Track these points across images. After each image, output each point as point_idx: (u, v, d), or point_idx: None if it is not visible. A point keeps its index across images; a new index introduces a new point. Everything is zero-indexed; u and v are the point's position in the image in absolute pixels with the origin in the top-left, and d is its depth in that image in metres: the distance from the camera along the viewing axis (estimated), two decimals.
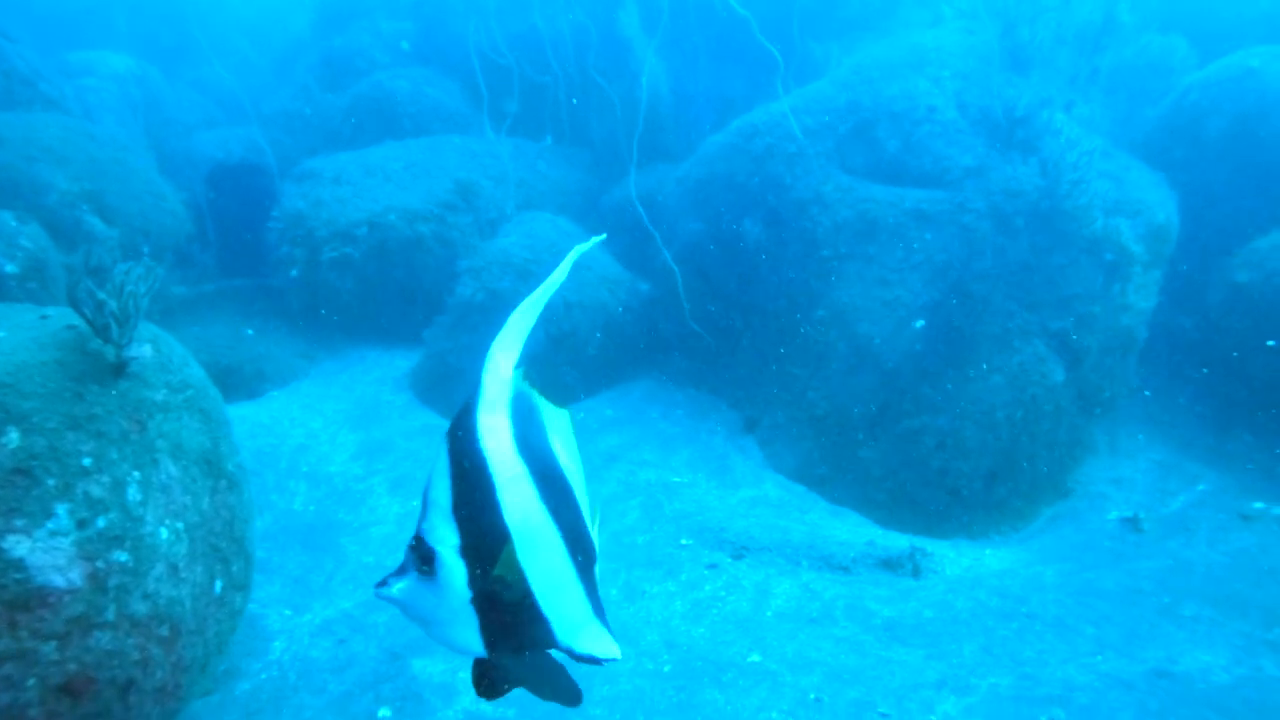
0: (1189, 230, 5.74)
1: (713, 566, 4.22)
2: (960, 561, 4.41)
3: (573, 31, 7.04)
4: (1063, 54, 6.35)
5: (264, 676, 3.29)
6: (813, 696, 3.24)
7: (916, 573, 4.27)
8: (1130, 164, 5.76)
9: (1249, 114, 5.77)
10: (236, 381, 5.68)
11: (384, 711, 3.10)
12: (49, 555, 2.11)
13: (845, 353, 5.41)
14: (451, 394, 5.84)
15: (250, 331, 6.25)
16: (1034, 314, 5.22)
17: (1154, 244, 5.35)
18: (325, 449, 5.03)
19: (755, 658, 3.48)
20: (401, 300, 6.49)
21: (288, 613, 3.74)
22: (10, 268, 4.15)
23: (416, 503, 4.91)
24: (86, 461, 2.29)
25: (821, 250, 5.65)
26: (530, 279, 5.93)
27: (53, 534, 2.14)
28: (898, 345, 5.29)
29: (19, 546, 2.07)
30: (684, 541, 4.45)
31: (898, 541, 4.53)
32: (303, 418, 5.33)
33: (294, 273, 6.00)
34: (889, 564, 4.34)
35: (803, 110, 6.02)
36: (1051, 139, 5.34)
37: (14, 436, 2.18)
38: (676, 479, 5.11)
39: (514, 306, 1.48)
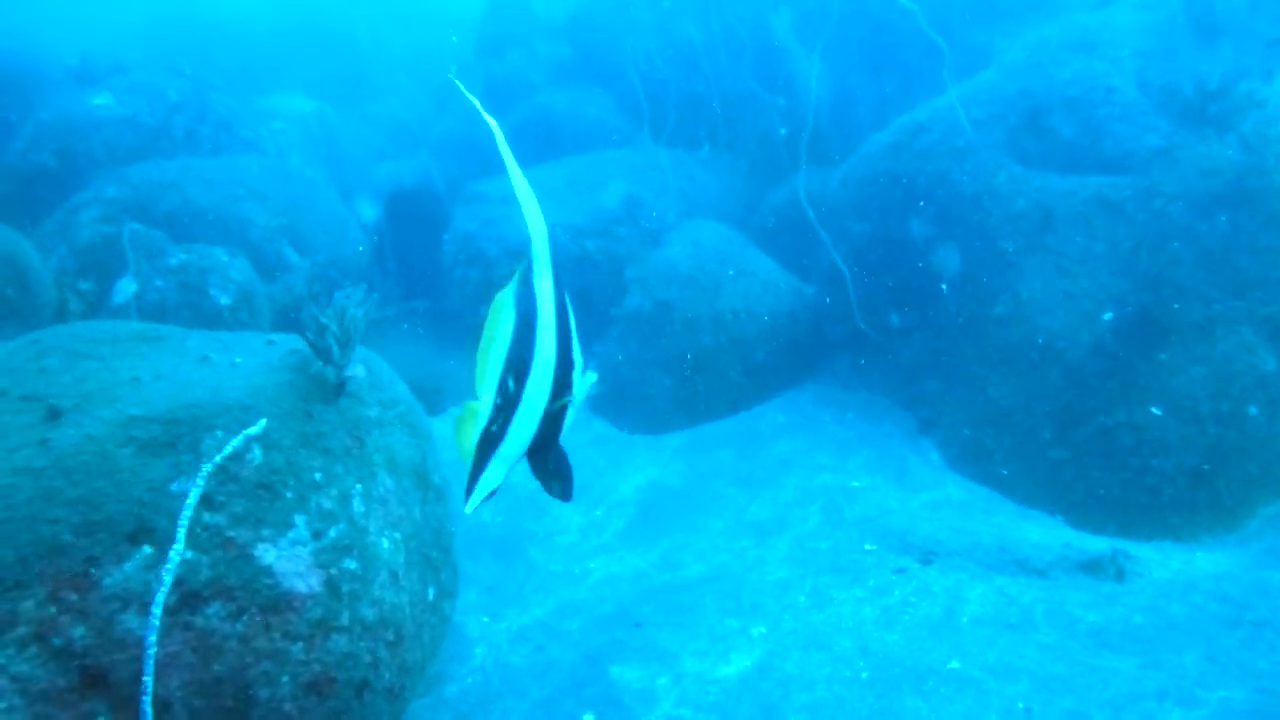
0: None
1: (900, 571, 4.12)
2: (1168, 565, 4.15)
3: (726, 40, 7.06)
4: (1259, 18, 5.93)
5: (470, 681, 3.41)
6: (1021, 705, 3.11)
7: (1120, 576, 4.04)
8: None
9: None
10: (417, 398, 5.95)
11: (587, 716, 3.17)
12: (291, 563, 2.26)
13: (1027, 348, 5.20)
14: (625, 405, 5.93)
15: (429, 350, 6.53)
16: (1240, 299, 4.87)
17: None
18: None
19: (955, 664, 3.37)
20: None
21: (485, 619, 3.87)
22: (224, 299, 4.49)
23: (597, 511, 5.03)
24: (318, 476, 2.45)
25: (997, 243, 5.46)
26: (695, 286, 5.97)
27: (293, 543, 2.30)
28: (1084, 339, 5.04)
29: (266, 554, 2.23)
30: (868, 546, 4.36)
31: (1095, 544, 4.30)
32: None
33: (469, 291, 6.23)
34: (1089, 567, 4.12)
35: (970, 102, 5.84)
36: (1255, 111, 4.98)
37: (257, 454, 2.35)
38: (855, 483, 5.03)
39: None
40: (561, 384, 1.77)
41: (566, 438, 1.85)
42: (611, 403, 6.01)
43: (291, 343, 2.81)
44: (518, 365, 1.73)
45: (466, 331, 6.61)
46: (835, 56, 7.44)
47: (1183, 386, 4.75)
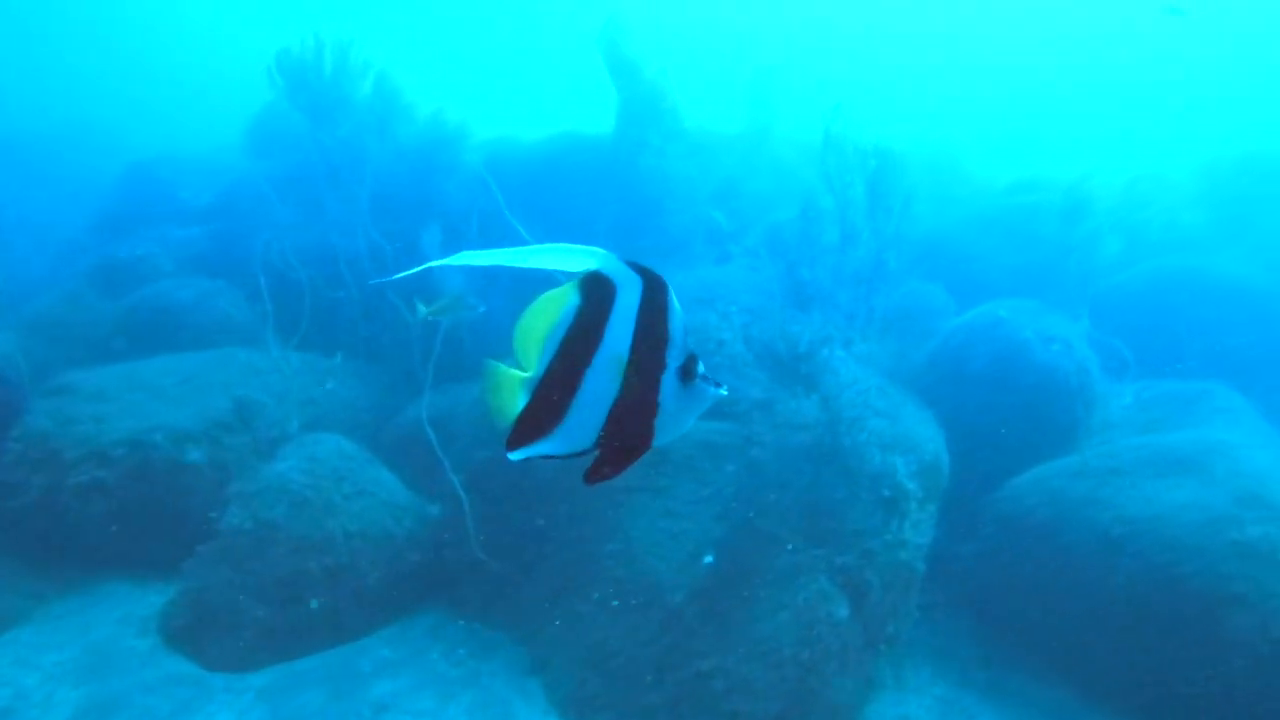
0: (962, 464, 6.05)
1: None
2: None
3: (370, 248, 6.98)
4: (842, 294, 6.78)
5: None
6: None
7: None
8: (904, 400, 6.07)
9: (1000, 355, 6.26)
10: None
11: None
12: None
13: (635, 589, 5.25)
14: (209, 637, 5.24)
15: None
16: (820, 549, 5.26)
17: (927, 479, 5.56)
18: (34, 714, 4.33)
19: None
20: (164, 529, 5.91)
21: None
22: None
23: None
24: None
25: (613, 481, 5.56)
26: (305, 505, 5.54)
27: None
28: (685, 582, 5.18)
29: None
30: None
31: None
32: (12, 674, 4.61)
33: (28, 500, 5.36)
34: None
35: None
36: (831, 376, 5.57)
37: None
38: None
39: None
40: (637, 383, 1.59)
41: (662, 442, 1.67)
42: (197, 635, 5.30)
43: None
44: (575, 349, 1.57)
45: (22, 545, 5.65)
46: (487, 275, 7.59)
47: (769, 633, 4.97)
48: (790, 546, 5.22)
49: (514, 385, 1.63)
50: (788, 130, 12.44)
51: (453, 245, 7.38)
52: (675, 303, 1.61)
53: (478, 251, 1.56)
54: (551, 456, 1.63)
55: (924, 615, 5.86)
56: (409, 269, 1.80)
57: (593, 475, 1.67)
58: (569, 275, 1.59)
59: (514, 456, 1.64)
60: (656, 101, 7.95)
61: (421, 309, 5.80)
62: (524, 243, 6.22)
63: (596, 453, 1.66)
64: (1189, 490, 5.18)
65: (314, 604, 5.39)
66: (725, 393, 1.69)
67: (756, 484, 5.42)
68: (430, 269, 1.76)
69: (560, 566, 5.64)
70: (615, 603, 5.25)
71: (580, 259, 1.57)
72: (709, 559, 5.20)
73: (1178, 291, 8.02)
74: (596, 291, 1.58)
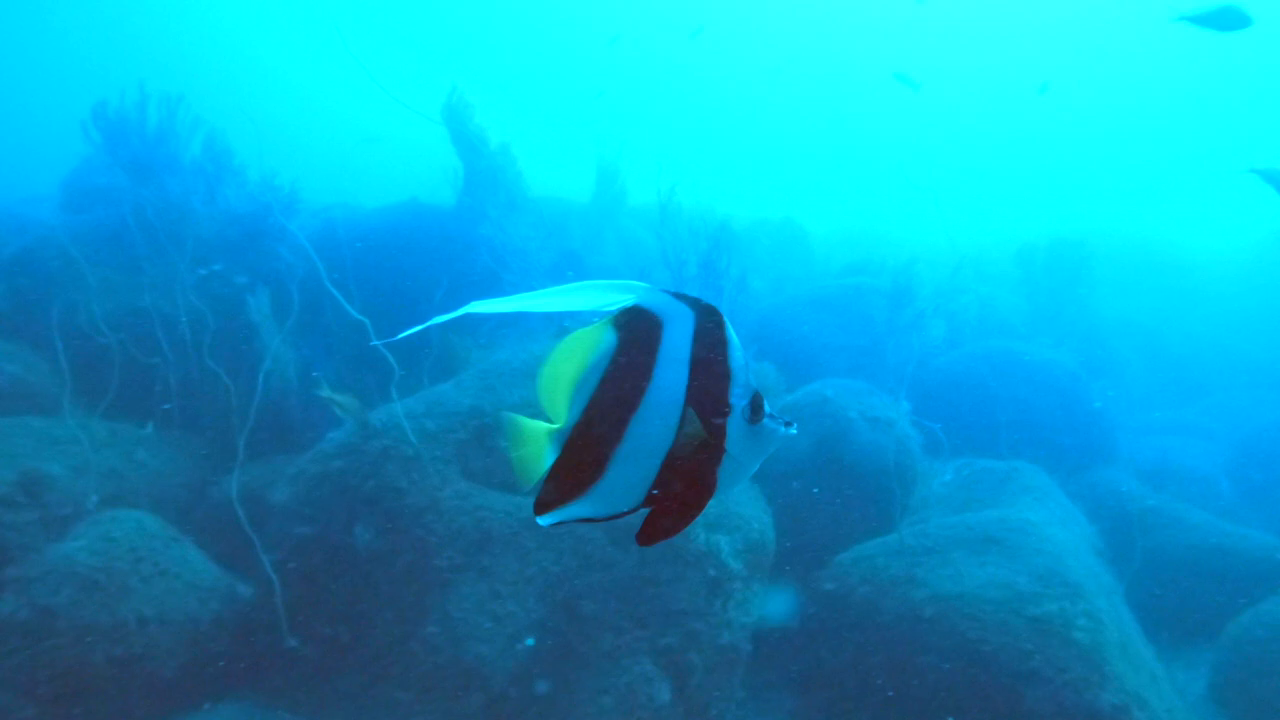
0: (791, 541, 6.14)
1: None
2: None
3: (190, 314, 6.65)
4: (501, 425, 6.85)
5: None
6: None
7: None
8: None
9: (826, 434, 6.44)
10: None
11: None
12: None
13: (453, 673, 5.05)
14: None
15: None
16: (644, 630, 5.20)
17: (753, 558, 5.61)
18: None
19: None
20: None
21: None
22: None
23: None
24: None
25: (435, 560, 5.39)
26: (94, 589, 5.12)
27: None
28: (506, 665, 5.02)
29: None
30: None
31: None
32: None
33: None
34: None
35: (425, 414, 5.94)
36: None
37: None
38: None
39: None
40: (698, 427, 1.38)
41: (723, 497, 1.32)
42: None
43: None
44: (617, 395, 1.37)
45: None
46: (316, 344, 7.34)
47: (591, 717, 4.85)
48: (614, 628, 5.15)
49: (540, 439, 1.44)
50: (642, 199, 12.67)
51: (282, 313, 7.11)
52: (734, 335, 1.43)
53: (489, 300, 1.40)
54: (588, 519, 1.46)
55: (751, 696, 5.86)
56: (410, 329, 1.56)
57: (649, 536, 1.47)
58: (597, 315, 1.41)
59: (544, 521, 1.45)
60: (499, 172, 7.96)
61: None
62: (367, 311, 6.04)
63: (643, 511, 1.47)
64: (995, 568, 5.39)
65: (96, 700, 4.95)
66: (795, 432, 1.51)
67: (583, 564, 5.34)
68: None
69: (378, 651, 5.38)
70: (434, 689, 5.03)
71: (612, 295, 1.40)
72: (530, 642, 5.06)
73: (994, 373, 8.49)
74: (638, 327, 1.40)
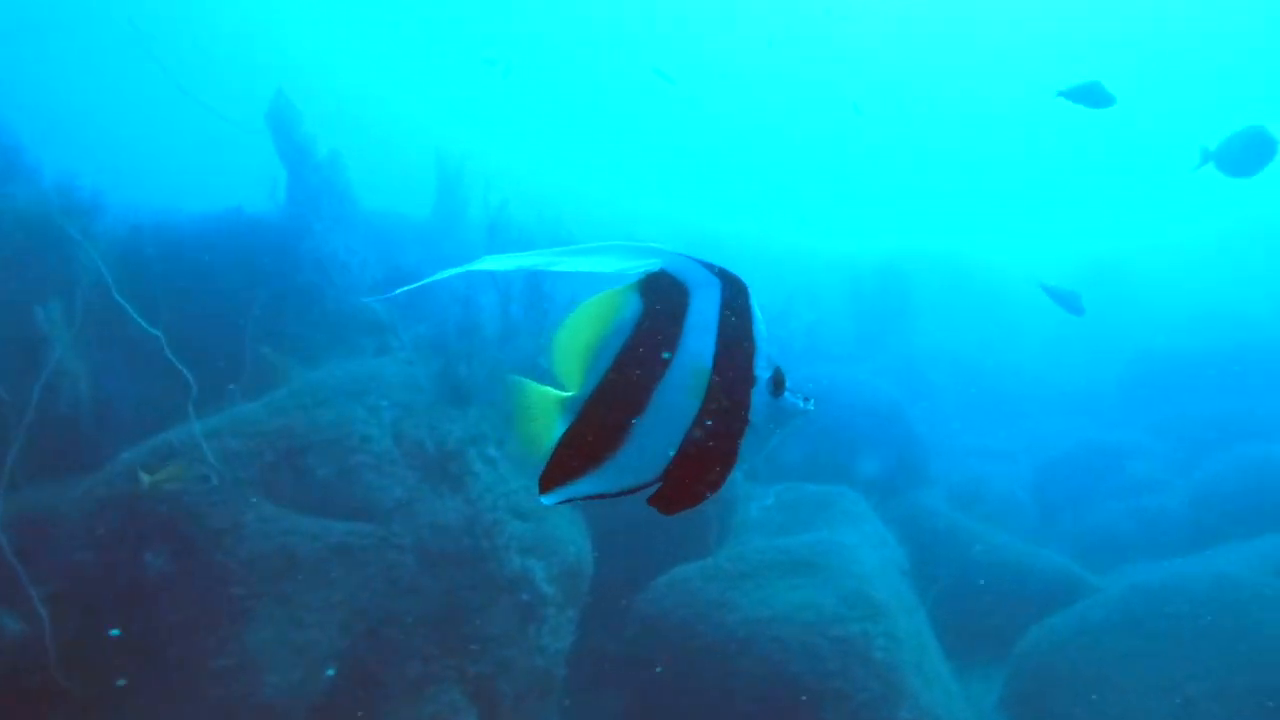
0: (614, 565, 6.12)
1: None
2: None
3: None
4: (496, 388, 6.75)
5: None
6: None
7: None
8: None
9: None
10: None
11: None
12: None
13: (248, 710, 4.77)
14: None
15: None
16: (453, 658, 5.06)
17: (569, 583, 5.56)
18: None
19: None
20: None
21: None
22: None
23: None
24: None
25: (233, 588, 5.09)
26: None
27: None
28: (306, 698, 4.78)
29: None
30: None
31: None
32: None
33: None
34: None
35: (230, 432, 5.63)
36: (472, 479, 5.47)
37: None
38: None
39: None
40: (724, 398, 1.32)
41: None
42: None
43: None
44: (640, 362, 1.31)
45: None
46: (110, 355, 6.86)
47: None
48: (421, 655, 4.99)
49: (550, 408, 1.35)
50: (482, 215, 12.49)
51: (77, 324, 6.62)
52: (758, 308, 1.39)
53: (505, 255, 1.32)
54: (599, 495, 1.38)
55: None
56: (407, 285, 1.45)
57: (668, 505, 1.40)
58: (617, 279, 1.33)
59: (550, 500, 1.37)
60: (327, 182, 7.69)
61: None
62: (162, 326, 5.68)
63: (656, 486, 1.39)
64: (805, 591, 5.52)
65: None
66: (814, 408, 1.46)
67: (391, 590, 5.15)
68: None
69: (165, 689, 5.03)
70: None
71: (636, 260, 1.34)
72: (330, 672, 4.84)
73: (817, 398, 8.74)
74: (664, 294, 1.34)
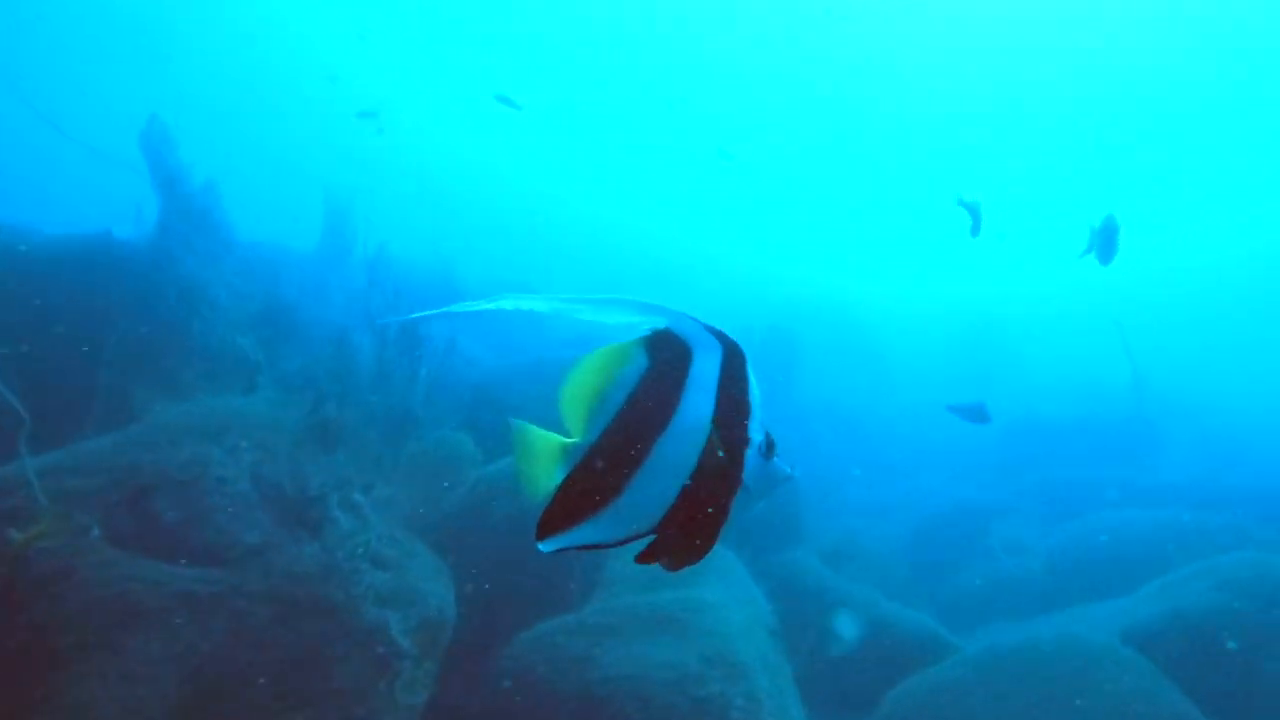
0: (482, 617, 5.98)
1: None
2: None
3: None
4: (371, 434, 6.58)
5: None
6: None
7: None
8: (417, 550, 5.91)
9: (523, 507, 6.36)
10: None
11: None
12: None
13: None
14: None
15: None
16: (299, 713, 4.83)
17: (428, 635, 5.39)
18: None
19: None
20: None
21: None
22: None
23: None
24: None
25: (60, 638, 4.77)
26: None
27: None
28: None
29: None
30: None
31: None
32: None
33: None
34: None
35: (70, 469, 5.32)
36: (331, 526, 5.28)
37: None
38: None
39: None
40: (720, 456, 1.37)
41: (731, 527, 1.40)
42: None
43: None
44: (643, 415, 1.36)
45: None
46: None
47: None
48: (265, 710, 4.75)
49: (552, 453, 1.39)
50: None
51: None
52: (754, 374, 1.45)
53: (522, 295, 1.37)
54: (594, 545, 1.39)
55: None
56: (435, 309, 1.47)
57: (659, 559, 1.44)
58: (617, 330, 1.38)
59: (547, 548, 1.39)
60: (202, 211, 7.42)
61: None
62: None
63: (649, 538, 1.43)
64: (669, 649, 5.48)
65: None
66: (798, 475, 1.52)
67: (237, 641, 4.91)
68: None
69: None
70: None
71: (644, 316, 1.39)
72: None
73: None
74: (668, 352, 1.40)
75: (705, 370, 1.42)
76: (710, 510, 1.44)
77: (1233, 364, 26.78)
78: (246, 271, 8.25)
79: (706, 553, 1.47)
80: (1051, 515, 11.31)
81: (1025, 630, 6.66)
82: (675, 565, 1.48)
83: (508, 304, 1.38)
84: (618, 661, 5.44)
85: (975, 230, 6.19)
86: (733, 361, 1.44)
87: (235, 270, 7.91)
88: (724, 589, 6.55)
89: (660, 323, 1.42)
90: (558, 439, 1.42)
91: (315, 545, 5.30)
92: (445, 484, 6.60)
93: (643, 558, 1.48)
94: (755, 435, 1.46)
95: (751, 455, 1.46)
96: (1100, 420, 13.98)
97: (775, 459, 1.49)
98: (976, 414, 7.93)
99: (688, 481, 1.41)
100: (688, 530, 1.44)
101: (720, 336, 1.44)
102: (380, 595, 5.19)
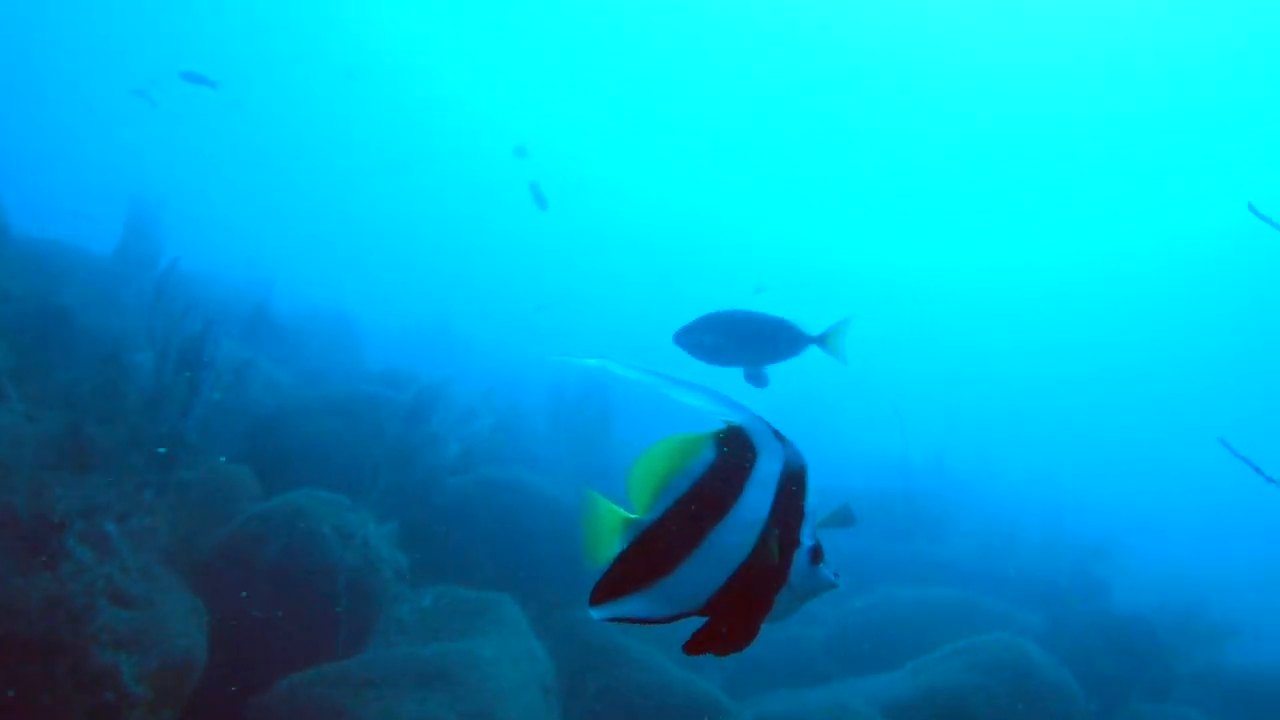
0: (235, 663, 5.60)
1: None
2: None
3: None
4: (138, 459, 6.12)
5: None
6: None
7: None
8: (171, 587, 5.50)
9: (293, 548, 6.05)
10: None
11: None
12: None
13: None
14: None
15: None
16: None
17: (167, 681, 5.00)
18: None
19: None
20: None
21: None
22: None
23: None
24: None
25: None
26: None
27: None
28: None
29: None
30: None
31: None
32: None
33: None
34: None
35: None
36: (70, 556, 4.85)
37: None
38: None
39: None
40: (771, 551, 1.49)
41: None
42: None
43: None
44: (705, 503, 1.47)
45: None
46: None
47: None
48: None
49: (614, 524, 1.49)
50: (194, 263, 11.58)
51: None
52: (812, 484, 1.54)
53: (621, 364, 1.52)
54: (641, 620, 1.46)
55: None
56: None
57: (704, 647, 1.50)
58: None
59: (598, 615, 1.45)
60: None
61: None
62: None
63: (693, 622, 1.52)
64: (430, 706, 5.28)
65: None
66: (841, 584, 1.58)
67: None
68: None
69: None
70: None
71: (723, 408, 1.51)
72: None
73: (491, 501, 8.64)
74: (737, 449, 1.51)
75: (767, 471, 1.52)
76: (755, 601, 1.53)
77: (1017, 437, 28.74)
78: (17, 271, 7.61)
79: (747, 643, 1.54)
80: (848, 587, 11.69)
81: (795, 699, 6.80)
82: (722, 652, 1.54)
83: (613, 368, 1.54)
84: (372, 717, 5.19)
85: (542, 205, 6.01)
86: (794, 467, 1.54)
87: (3, 270, 7.27)
88: (501, 644, 6.40)
89: (735, 419, 1.53)
90: (622, 513, 1.52)
91: (48, 577, 4.84)
92: (214, 517, 6.20)
93: (691, 648, 1.55)
94: (806, 540, 1.56)
95: (800, 556, 1.55)
96: (898, 494, 14.62)
97: (822, 566, 1.58)
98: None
99: (738, 570, 1.50)
100: (729, 617, 1.53)
101: (786, 443, 1.54)
102: (117, 637, 4.77)
